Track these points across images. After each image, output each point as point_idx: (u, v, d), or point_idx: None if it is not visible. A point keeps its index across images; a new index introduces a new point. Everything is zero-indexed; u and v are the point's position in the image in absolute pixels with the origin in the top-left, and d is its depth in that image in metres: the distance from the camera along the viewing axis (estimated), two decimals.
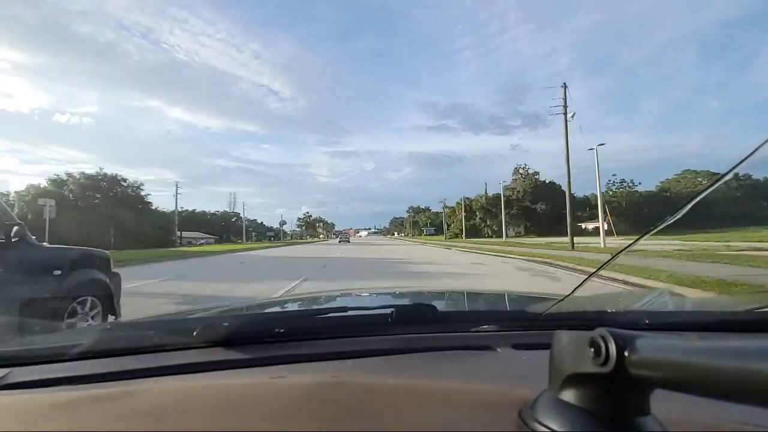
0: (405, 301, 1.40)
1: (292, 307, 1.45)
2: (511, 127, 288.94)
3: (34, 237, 2.96)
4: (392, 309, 0.84)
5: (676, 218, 0.49)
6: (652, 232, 0.55)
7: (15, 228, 2.70)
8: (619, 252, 0.80)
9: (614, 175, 67.02)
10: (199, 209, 78.94)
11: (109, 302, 3.25)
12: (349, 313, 0.91)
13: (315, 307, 1.31)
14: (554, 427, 0.31)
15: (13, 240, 2.69)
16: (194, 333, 0.73)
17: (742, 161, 0.37)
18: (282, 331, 0.79)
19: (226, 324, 0.78)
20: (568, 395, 0.32)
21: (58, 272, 2.91)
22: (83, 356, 0.70)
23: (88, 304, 3.09)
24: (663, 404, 0.32)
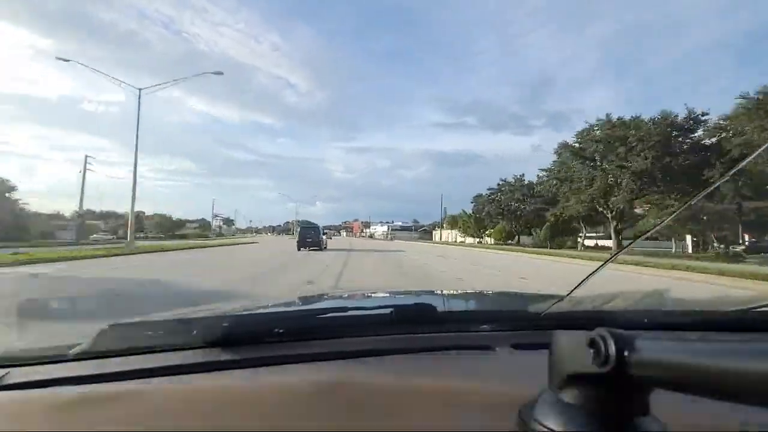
0: (405, 301, 1.40)
1: (292, 307, 1.45)
2: (533, 126, 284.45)
3: (327, 233, 31.03)
4: (392, 309, 0.84)
5: (671, 220, 0.49)
6: (648, 234, 0.55)
7: (325, 232, 26.94)
8: (618, 252, 0.81)
9: None
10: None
11: (326, 241, 24.74)
12: (349, 313, 0.91)
13: (315, 307, 1.31)
14: (554, 427, 0.31)
15: (325, 233, 25.84)
16: (194, 333, 0.73)
17: (739, 166, 0.37)
18: (282, 331, 0.79)
19: (226, 324, 0.77)
20: (568, 395, 0.32)
21: (323, 234, 23.80)
22: (83, 356, 0.70)
23: (326, 240, 25.38)
24: (663, 404, 0.32)
